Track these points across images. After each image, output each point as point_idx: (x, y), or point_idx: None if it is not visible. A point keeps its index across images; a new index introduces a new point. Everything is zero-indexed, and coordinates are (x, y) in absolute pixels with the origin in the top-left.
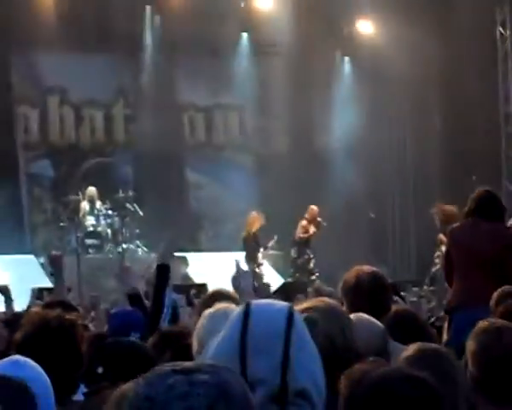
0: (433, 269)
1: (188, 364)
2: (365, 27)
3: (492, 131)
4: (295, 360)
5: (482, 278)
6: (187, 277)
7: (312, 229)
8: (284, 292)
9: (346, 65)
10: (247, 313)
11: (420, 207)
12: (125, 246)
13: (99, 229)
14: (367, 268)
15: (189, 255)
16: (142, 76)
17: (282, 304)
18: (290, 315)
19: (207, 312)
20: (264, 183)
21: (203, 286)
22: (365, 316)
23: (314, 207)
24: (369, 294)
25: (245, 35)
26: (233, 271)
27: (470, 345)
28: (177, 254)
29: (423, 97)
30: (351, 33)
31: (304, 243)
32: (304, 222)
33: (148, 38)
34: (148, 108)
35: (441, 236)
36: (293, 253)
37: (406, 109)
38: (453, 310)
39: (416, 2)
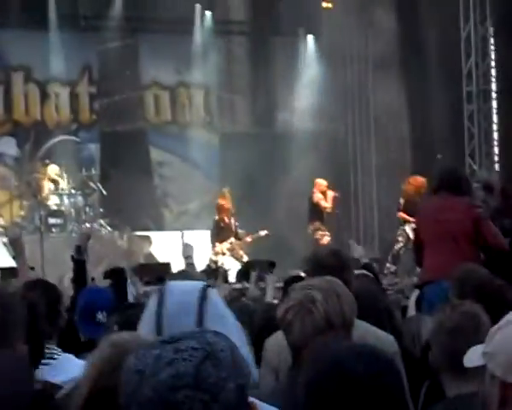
0: (396, 247)
1: (175, 334)
2: (328, 4)
3: (456, 109)
4: None
5: (454, 252)
6: (150, 256)
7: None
8: (245, 270)
9: (310, 43)
10: (162, 294)
11: (383, 188)
12: (88, 225)
13: (62, 208)
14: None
15: (153, 234)
16: (106, 54)
17: (196, 283)
18: (203, 293)
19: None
20: (229, 161)
21: (167, 265)
22: None
23: (321, 181)
24: (328, 271)
25: (209, 13)
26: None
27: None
28: (140, 233)
29: (385, 75)
30: (314, 11)
31: (320, 218)
32: (320, 195)
33: (112, 15)
34: (112, 86)
35: (402, 213)
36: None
37: (369, 87)
38: (426, 285)
39: None
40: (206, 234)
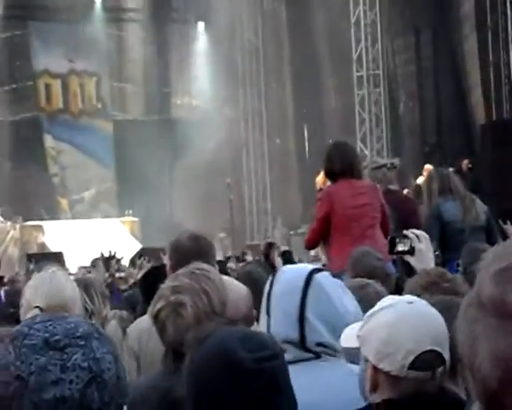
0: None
1: (60, 335)
2: None
3: (347, 94)
4: (312, 315)
5: (373, 237)
6: (43, 246)
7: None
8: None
9: (201, 29)
10: (274, 275)
11: (276, 172)
12: None
13: None
14: (190, 231)
15: (48, 223)
16: None
17: (305, 267)
18: (309, 276)
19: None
20: (123, 148)
21: (59, 254)
22: (231, 279)
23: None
24: (187, 255)
25: (99, 1)
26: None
27: None
28: (33, 222)
29: (276, 63)
30: None
31: None
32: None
33: (1, 3)
34: (2, 75)
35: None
36: None
37: (261, 75)
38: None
39: None
40: (102, 222)
